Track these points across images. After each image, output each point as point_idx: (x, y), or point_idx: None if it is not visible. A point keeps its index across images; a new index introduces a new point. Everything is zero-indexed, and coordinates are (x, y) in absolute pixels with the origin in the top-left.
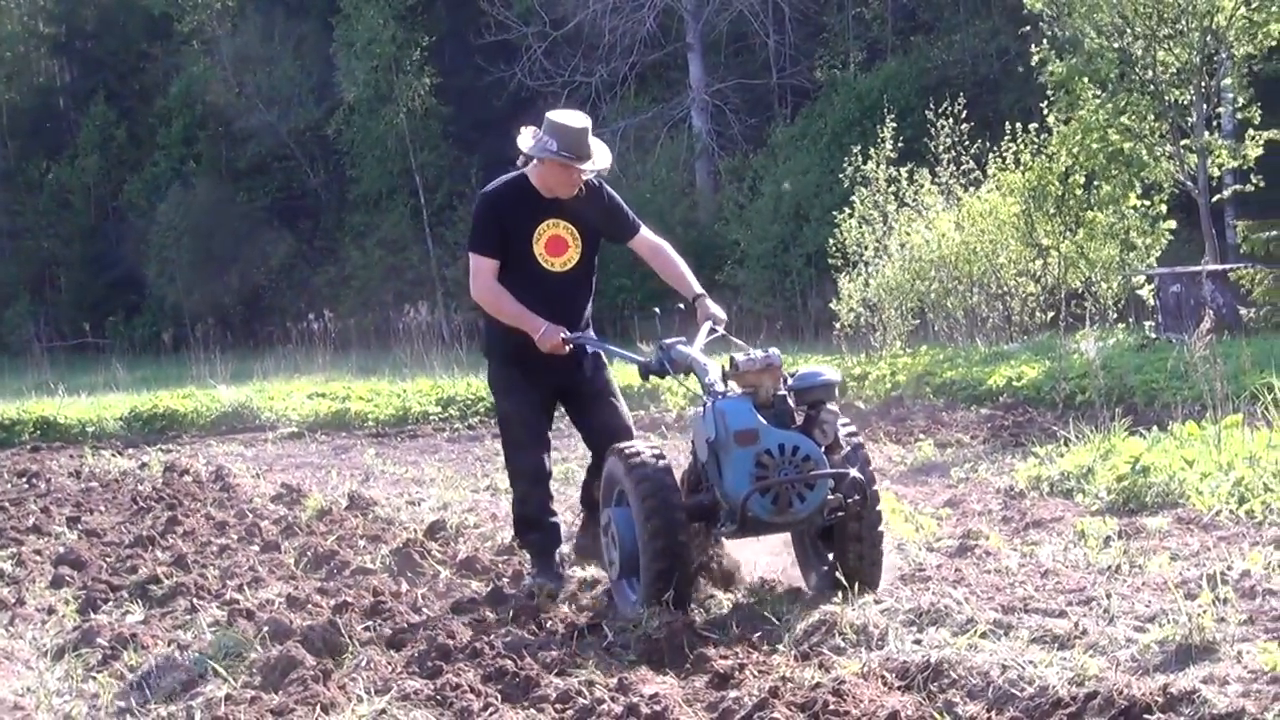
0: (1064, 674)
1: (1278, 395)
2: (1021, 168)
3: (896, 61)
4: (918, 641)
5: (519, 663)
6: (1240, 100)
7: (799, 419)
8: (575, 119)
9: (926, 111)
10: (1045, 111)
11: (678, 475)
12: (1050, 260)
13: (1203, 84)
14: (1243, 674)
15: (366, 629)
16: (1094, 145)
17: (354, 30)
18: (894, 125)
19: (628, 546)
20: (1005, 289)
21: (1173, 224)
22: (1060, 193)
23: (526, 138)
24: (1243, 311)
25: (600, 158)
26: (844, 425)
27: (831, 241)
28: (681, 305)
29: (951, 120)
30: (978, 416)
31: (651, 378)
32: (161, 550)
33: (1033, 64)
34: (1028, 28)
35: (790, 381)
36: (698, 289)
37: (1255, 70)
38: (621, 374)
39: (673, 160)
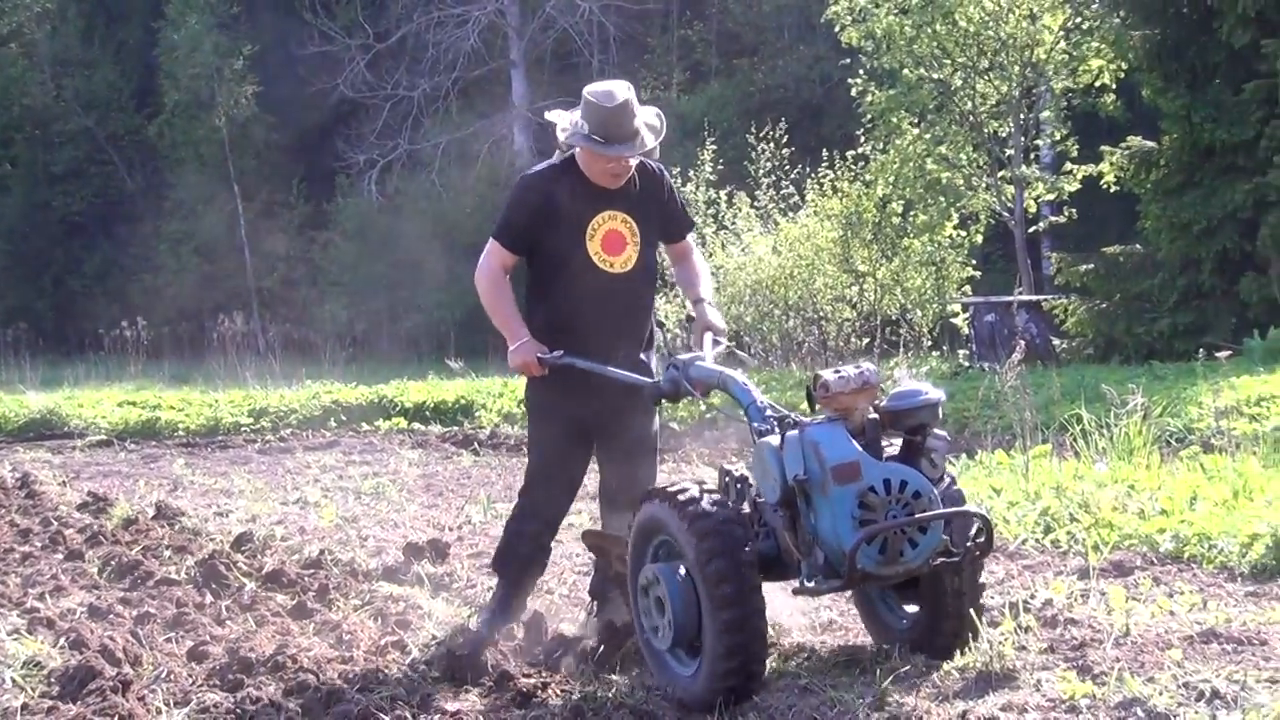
0: (865, 698)
1: (1086, 426)
2: (840, 194)
3: (719, 84)
4: None
5: (321, 677)
6: (1058, 134)
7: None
8: (608, 95)
9: (748, 135)
10: (863, 140)
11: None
12: (866, 287)
13: (1021, 116)
14: (1041, 702)
15: (168, 640)
16: (911, 175)
17: (176, 36)
18: (714, 148)
19: (682, 613)
20: (821, 314)
21: (973, 265)
22: (877, 220)
23: (564, 120)
24: (1055, 342)
25: (647, 137)
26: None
27: None
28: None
29: (772, 145)
30: None
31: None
32: None
33: (853, 94)
34: (848, 60)
35: (884, 402)
36: (703, 293)
37: (1073, 104)
38: None
39: (494, 176)
